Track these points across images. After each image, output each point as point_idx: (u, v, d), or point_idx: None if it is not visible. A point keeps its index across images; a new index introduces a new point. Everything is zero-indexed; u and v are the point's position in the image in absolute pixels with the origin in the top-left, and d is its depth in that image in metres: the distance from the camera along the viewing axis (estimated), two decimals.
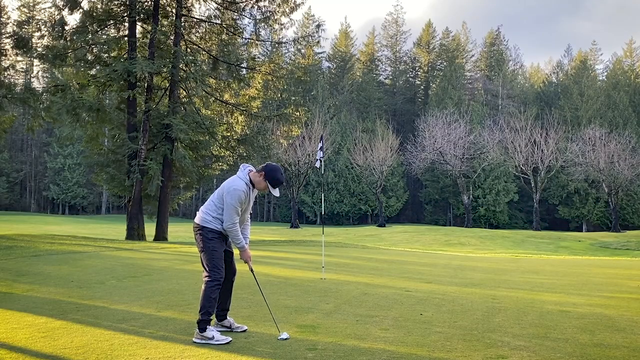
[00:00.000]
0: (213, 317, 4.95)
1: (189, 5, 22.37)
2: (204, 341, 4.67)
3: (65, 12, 19.89)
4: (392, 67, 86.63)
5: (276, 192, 5.11)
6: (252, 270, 5.29)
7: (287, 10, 22.06)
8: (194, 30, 23.21)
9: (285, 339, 4.81)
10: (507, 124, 57.74)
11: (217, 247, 4.98)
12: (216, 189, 5.17)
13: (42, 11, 55.91)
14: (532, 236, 41.72)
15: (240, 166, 5.17)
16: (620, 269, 13.22)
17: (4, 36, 21.90)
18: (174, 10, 21.39)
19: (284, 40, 24.42)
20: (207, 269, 4.92)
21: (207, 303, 4.80)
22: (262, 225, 62.85)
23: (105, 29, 21.31)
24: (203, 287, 4.89)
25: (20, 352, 4.31)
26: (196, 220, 5.05)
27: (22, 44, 19.24)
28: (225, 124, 23.22)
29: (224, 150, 23.28)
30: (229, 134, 23.10)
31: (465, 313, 6.18)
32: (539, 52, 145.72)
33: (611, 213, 55.07)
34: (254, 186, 5.04)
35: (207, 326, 4.76)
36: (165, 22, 21.79)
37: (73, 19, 73.12)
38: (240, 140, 22.74)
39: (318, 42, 24.05)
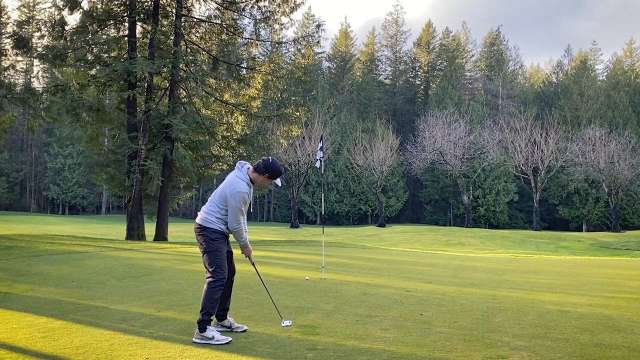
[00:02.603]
0: (213, 317, 4.95)
1: (189, 5, 22.36)
2: (204, 341, 4.67)
3: (65, 12, 19.88)
4: (392, 67, 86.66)
5: (278, 182, 5.16)
6: (253, 264, 5.38)
7: (287, 10, 22.05)
8: (194, 30, 23.20)
9: (289, 325, 5.11)
10: (507, 124, 57.75)
11: (220, 248, 4.99)
12: (216, 189, 5.17)
13: (42, 11, 55.95)
14: (532, 236, 41.72)
15: (237, 164, 5.17)
16: (620, 269, 13.22)
17: (4, 36, 21.92)
18: (174, 10, 21.38)
19: (284, 40, 24.39)
20: (209, 269, 4.92)
21: (209, 304, 4.80)
22: (262, 225, 62.82)
23: (105, 29, 21.29)
24: (205, 287, 4.88)
25: (20, 352, 4.31)
26: (198, 221, 5.03)
27: (22, 44, 19.22)
28: (225, 124, 23.20)
29: (224, 150, 23.26)
30: (229, 134, 23.08)
31: (465, 313, 6.18)
32: (539, 52, 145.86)
33: (611, 213, 55.08)
34: (253, 184, 5.09)
35: (207, 326, 4.76)
36: (165, 22, 21.78)
37: (73, 19, 73.07)
38: (240, 140, 22.72)
39: (318, 42, 24.02)
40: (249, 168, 5.09)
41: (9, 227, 32.09)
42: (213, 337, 4.68)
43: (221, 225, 4.97)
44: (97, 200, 76.39)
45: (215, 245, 4.95)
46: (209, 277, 4.89)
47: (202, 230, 4.98)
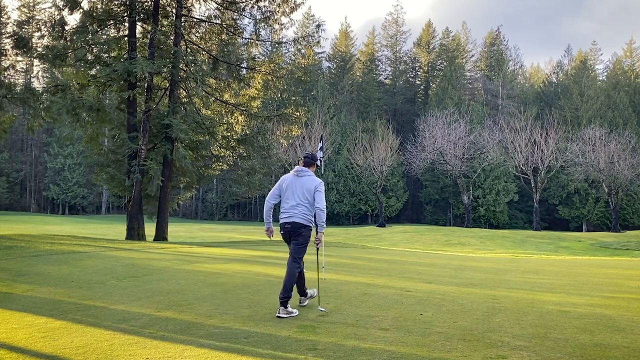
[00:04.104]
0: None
1: (189, 5, 22.36)
2: (309, 299, 6.46)
3: (65, 12, 19.87)
4: (392, 67, 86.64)
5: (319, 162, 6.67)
6: (319, 249, 6.62)
7: (287, 10, 22.05)
8: (194, 30, 23.20)
9: (324, 311, 6.05)
10: (507, 124, 57.72)
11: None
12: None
13: (42, 11, 56.00)
14: (532, 236, 41.71)
15: (297, 169, 6.29)
16: (620, 269, 13.22)
17: (4, 36, 21.92)
18: (174, 10, 21.38)
19: (284, 40, 24.35)
20: (299, 257, 6.15)
21: (294, 281, 6.10)
22: (262, 225, 62.66)
23: (105, 29, 21.29)
24: (297, 272, 6.08)
25: (20, 352, 4.31)
26: (298, 220, 6.09)
27: (22, 44, 19.21)
28: (225, 124, 23.20)
29: (224, 150, 23.26)
30: (229, 134, 23.08)
31: (465, 313, 6.17)
32: (539, 52, 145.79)
33: (611, 213, 55.05)
34: None
35: (307, 290, 6.41)
36: (165, 22, 21.78)
37: (73, 19, 73.14)
38: (240, 140, 22.72)
39: (318, 42, 24.00)
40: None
41: (9, 227, 32.10)
42: (309, 295, 6.46)
43: (313, 224, 6.19)
44: (97, 200, 76.37)
45: (308, 242, 6.21)
46: (297, 261, 6.11)
47: (303, 229, 6.11)
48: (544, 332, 5.25)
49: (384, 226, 53.80)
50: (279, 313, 5.75)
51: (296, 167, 6.29)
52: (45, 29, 19.74)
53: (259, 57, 24.76)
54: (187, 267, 10.18)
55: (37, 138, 71.76)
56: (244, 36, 23.16)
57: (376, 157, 56.94)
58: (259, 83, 23.10)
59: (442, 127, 57.89)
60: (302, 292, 6.41)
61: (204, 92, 22.31)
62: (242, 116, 23.06)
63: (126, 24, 21.05)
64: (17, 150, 75.77)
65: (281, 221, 6.21)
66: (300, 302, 6.39)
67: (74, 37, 19.92)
